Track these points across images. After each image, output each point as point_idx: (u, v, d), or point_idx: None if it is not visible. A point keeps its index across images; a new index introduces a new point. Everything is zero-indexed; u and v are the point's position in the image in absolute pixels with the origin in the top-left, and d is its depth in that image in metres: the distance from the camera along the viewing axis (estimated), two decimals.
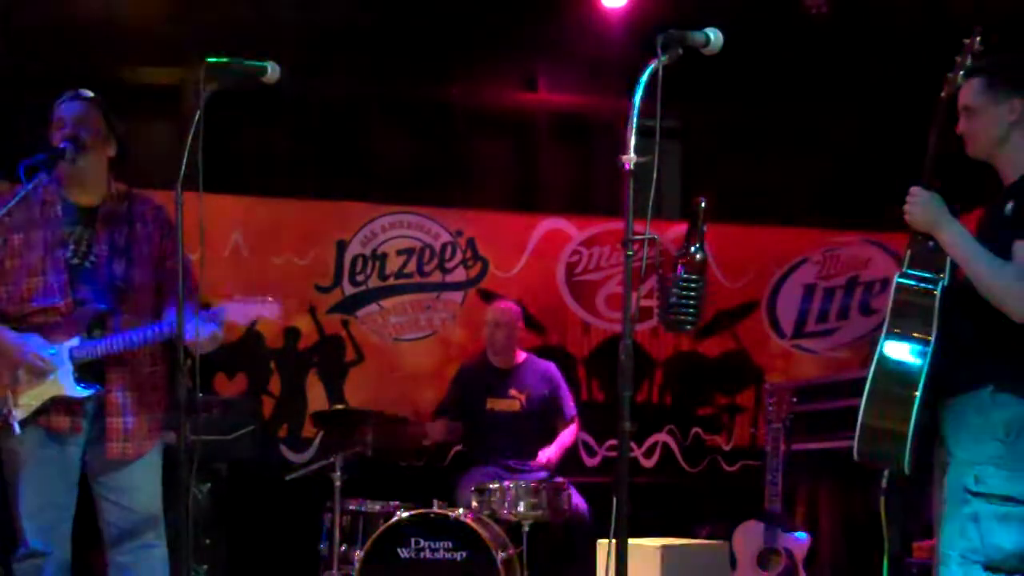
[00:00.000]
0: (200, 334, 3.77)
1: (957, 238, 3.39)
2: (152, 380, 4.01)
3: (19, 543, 3.92)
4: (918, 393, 3.40)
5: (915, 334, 3.47)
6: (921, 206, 3.45)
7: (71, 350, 3.87)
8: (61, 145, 3.84)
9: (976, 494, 3.32)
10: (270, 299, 4.01)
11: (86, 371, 3.89)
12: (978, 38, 3.53)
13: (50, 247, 3.91)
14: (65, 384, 3.86)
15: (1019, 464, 3.31)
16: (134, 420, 3.93)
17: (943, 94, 3.51)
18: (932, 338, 3.43)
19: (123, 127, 4.06)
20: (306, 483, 5.61)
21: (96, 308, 3.91)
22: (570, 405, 6.16)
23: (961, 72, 3.52)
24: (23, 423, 3.85)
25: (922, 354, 3.43)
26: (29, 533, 3.89)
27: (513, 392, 6.05)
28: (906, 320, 3.50)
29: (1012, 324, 3.30)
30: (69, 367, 3.87)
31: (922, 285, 3.46)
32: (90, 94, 3.99)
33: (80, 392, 3.87)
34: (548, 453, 5.90)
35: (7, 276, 3.90)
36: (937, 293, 3.44)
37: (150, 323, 3.91)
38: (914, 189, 3.46)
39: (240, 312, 3.94)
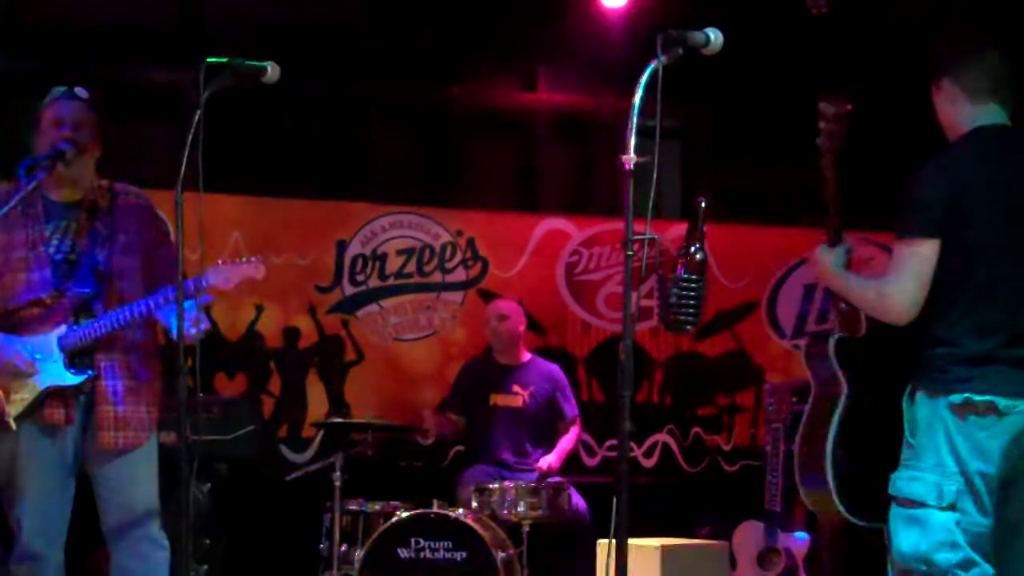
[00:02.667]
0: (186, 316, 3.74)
1: (833, 279, 3.48)
2: (144, 373, 3.98)
3: (15, 543, 3.90)
4: (829, 440, 3.57)
5: (825, 385, 3.69)
6: (815, 264, 3.54)
7: (59, 339, 3.85)
8: (60, 146, 3.83)
9: (891, 499, 3.29)
10: (253, 259, 3.95)
11: (78, 360, 3.87)
12: (828, 105, 3.56)
13: (31, 244, 3.88)
14: (56, 374, 3.84)
15: (920, 464, 3.24)
16: (125, 409, 3.89)
17: (823, 161, 3.55)
18: (841, 386, 3.62)
19: (109, 126, 4.05)
20: (306, 483, 5.62)
21: (80, 293, 3.89)
22: (572, 406, 6.17)
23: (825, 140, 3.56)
24: (18, 419, 3.84)
25: (835, 404, 3.62)
26: (28, 533, 3.86)
27: (516, 388, 6.06)
28: (816, 372, 3.74)
29: (916, 326, 3.28)
30: (59, 356, 3.85)
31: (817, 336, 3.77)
32: (85, 93, 3.97)
33: (72, 379, 3.84)
34: (549, 460, 5.90)
35: None
36: (831, 341, 3.65)
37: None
38: (817, 248, 3.54)
39: (222, 276, 3.89)
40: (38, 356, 3.83)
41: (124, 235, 3.98)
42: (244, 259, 3.93)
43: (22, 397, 3.83)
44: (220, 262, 3.92)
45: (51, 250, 3.90)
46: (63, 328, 3.86)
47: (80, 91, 3.96)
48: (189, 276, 3.70)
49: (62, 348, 3.85)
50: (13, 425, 3.83)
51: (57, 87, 3.98)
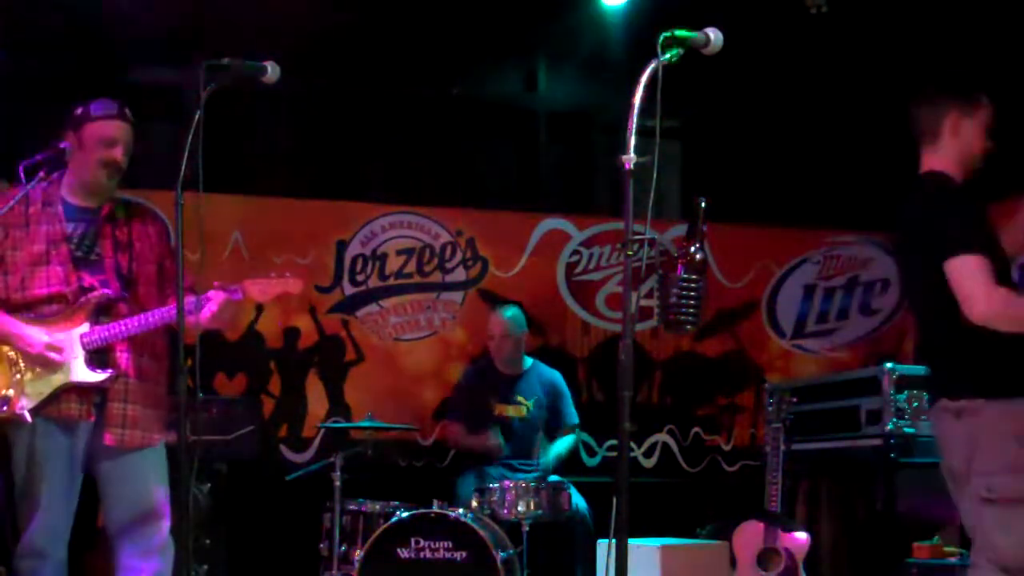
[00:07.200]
0: (203, 314, 3.81)
1: None
2: (157, 375, 4.00)
3: (20, 539, 3.90)
4: None
5: None
6: None
7: (82, 336, 3.87)
8: (62, 145, 3.85)
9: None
10: (288, 274, 4.01)
11: (96, 358, 3.89)
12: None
13: (53, 241, 3.91)
14: (78, 371, 3.84)
15: None
16: (135, 408, 3.91)
17: None
18: None
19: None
20: (306, 483, 5.61)
21: (103, 294, 3.90)
22: (572, 414, 6.17)
23: None
24: (33, 412, 3.84)
25: None
26: (35, 530, 3.86)
27: (520, 399, 6.06)
28: None
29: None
30: (80, 354, 3.86)
31: None
32: (127, 109, 3.99)
33: (95, 377, 3.85)
34: (545, 461, 5.89)
35: (9, 267, 3.89)
36: None
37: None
38: None
39: (259, 288, 3.97)
40: (64, 351, 3.85)
41: (141, 244, 4.03)
42: (279, 274, 4.00)
43: (39, 391, 3.84)
44: (255, 278, 3.98)
45: (72, 246, 3.93)
46: (86, 326, 3.87)
47: (125, 108, 3.97)
48: (186, 274, 3.70)
49: (85, 346, 3.86)
50: (29, 418, 3.82)
51: (102, 101, 3.97)
